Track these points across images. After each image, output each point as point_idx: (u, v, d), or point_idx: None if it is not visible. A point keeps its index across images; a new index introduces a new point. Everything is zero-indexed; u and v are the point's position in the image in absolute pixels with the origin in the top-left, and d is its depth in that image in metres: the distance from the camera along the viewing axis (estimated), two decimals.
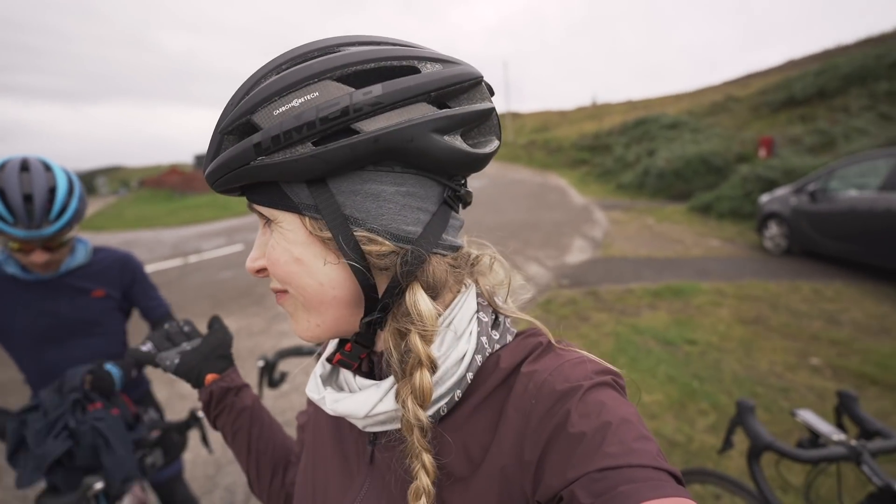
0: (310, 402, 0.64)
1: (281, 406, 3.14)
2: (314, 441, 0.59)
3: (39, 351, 1.38)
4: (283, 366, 2.29)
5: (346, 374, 0.50)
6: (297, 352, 1.76)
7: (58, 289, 1.37)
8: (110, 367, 1.29)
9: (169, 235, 12.81)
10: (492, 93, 0.46)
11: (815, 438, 1.12)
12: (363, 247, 0.42)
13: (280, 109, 0.39)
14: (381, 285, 0.44)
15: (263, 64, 0.42)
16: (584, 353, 0.45)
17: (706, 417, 2.73)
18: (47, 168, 1.25)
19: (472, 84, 0.43)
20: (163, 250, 10.24)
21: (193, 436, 1.61)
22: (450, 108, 0.41)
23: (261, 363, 1.65)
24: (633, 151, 16.19)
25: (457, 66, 0.42)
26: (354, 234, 0.41)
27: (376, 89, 0.38)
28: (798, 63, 23.02)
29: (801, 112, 13.89)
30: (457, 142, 0.41)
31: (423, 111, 0.39)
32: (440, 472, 0.42)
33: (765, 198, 6.94)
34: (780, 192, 6.67)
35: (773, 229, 6.56)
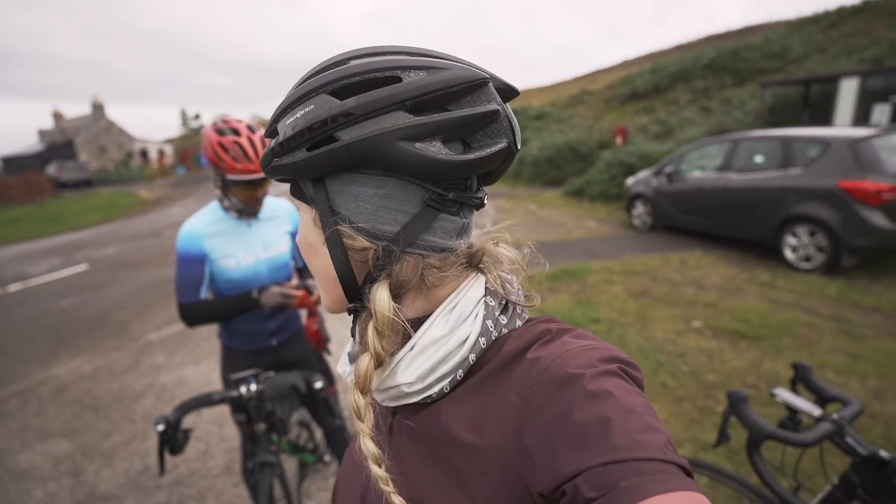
0: None
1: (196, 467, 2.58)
2: None
3: None
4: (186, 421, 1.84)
5: None
6: (207, 401, 1.39)
7: None
8: None
9: None
10: (510, 93, 0.47)
11: (793, 415, 1.15)
12: (344, 240, 0.46)
13: (289, 120, 0.45)
14: (360, 277, 0.48)
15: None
16: (597, 341, 0.44)
17: None
18: None
19: (469, 87, 0.43)
20: None
21: None
22: (431, 114, 0.42)
23: (160, 427, 1.26)
24: None
25: (444, 72, 0.43)
26: (338, 227, 0.46)
27: (351, 101, 0.42)
28: (631, 63, 26.47)
29: (644, 104, 15.97)
30: (431, 149, 0.42)
31: (396, 120, 0.41)
32: (446, 441, 0.45)
33: (630, 181, 7.78)
34: (643, 174, 7.52)
35: (639, 208, 7.37)
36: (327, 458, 2.12)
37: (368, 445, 0.44)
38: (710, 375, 3.00)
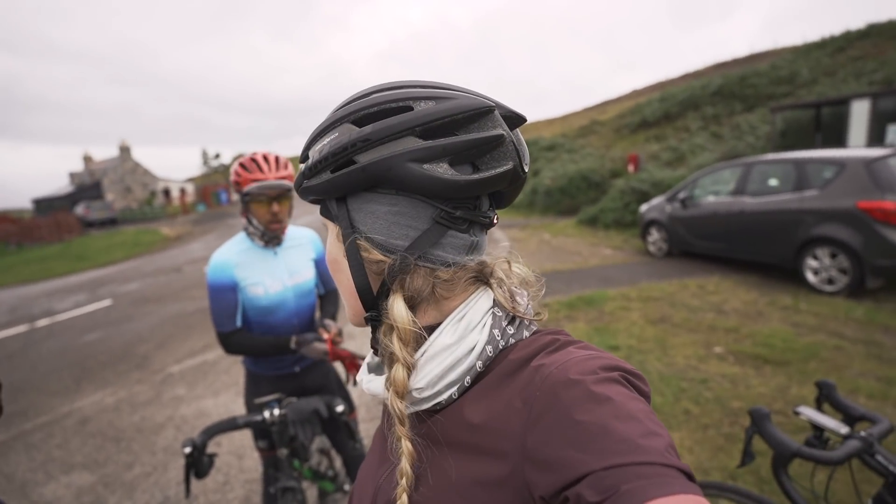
0: None
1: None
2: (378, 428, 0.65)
3: None
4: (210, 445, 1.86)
5: None
6: (232, 425, 1.42)
7: None
8: None
9: (4, 297, 10.46)
10: (518, 120, 0.51)
11: (819, 434, 1.13)
12: (361, 252, 0.50)
13: (318, 146, 0.51)
14: (376, 288, 0.51)
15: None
16: (602, 352, 0.45)
17: None
18: None
19: (475, 115, 0.46)
20: None
21: None
22: (440, 139, 0.46)
23: (187, 449, 1.30)
24: None
25: (452, 101, 0.47)
26: (357, 241, 0.50)
27: (368, 128, 0.46)
28: (640, 92, 26.87)
29: (655, 132, 16.10)
30: (438, 170, 0.46)
31: (406, 144, 0.45)
32: (455, 446, 0.47)
33: (644, 207, 7.77)
34: (656, 201, 7.52)
35: (654, 235, 7.34)
36: (347, 486, 2.11)
37: (407, 446, 0.47)
38: (734, 402, 2.92)
